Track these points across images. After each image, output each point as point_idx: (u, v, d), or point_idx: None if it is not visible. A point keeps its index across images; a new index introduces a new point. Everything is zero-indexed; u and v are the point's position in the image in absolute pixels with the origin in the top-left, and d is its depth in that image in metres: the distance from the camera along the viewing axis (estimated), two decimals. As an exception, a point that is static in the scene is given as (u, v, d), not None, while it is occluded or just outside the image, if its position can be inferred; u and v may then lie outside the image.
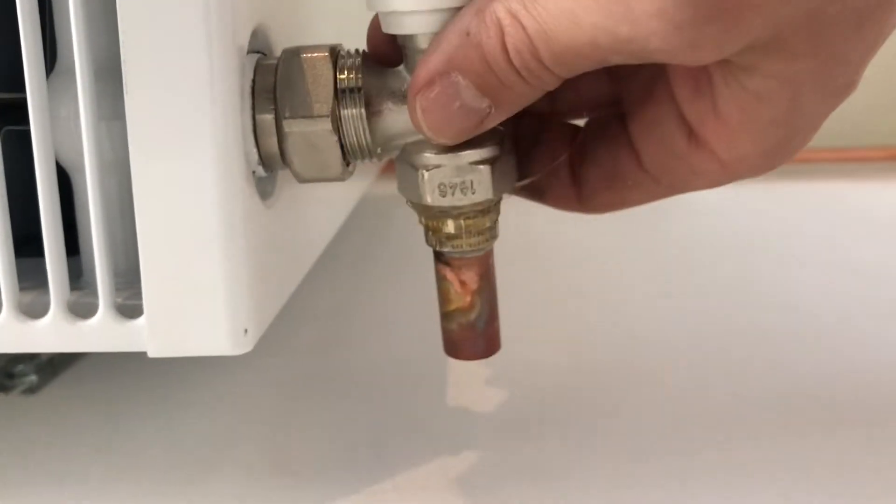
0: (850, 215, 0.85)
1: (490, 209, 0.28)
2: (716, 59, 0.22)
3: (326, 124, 0.27)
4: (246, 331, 0.27)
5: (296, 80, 0.27)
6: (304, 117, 0.27)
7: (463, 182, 0.27)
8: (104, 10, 0.26)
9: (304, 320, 0.50)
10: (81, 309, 0.27)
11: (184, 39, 0.24)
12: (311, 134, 0.27)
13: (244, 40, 0.27)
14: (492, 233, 0.29)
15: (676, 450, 0.34)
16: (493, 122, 0.25)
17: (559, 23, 0.22)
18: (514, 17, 0.23)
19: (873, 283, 0.55)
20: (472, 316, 0.29)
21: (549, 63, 0.23)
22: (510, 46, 0.23)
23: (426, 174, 0.27)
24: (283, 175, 0.30)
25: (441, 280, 0.29)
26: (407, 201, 0.29)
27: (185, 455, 0.35)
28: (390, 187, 0.29)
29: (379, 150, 0.28)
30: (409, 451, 0.34)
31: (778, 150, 0.25)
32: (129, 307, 0.27)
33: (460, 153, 0.27)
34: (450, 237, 0.28)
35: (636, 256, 0.62)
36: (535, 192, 0.31)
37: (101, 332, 0.27)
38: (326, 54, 0.27)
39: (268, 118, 0.27)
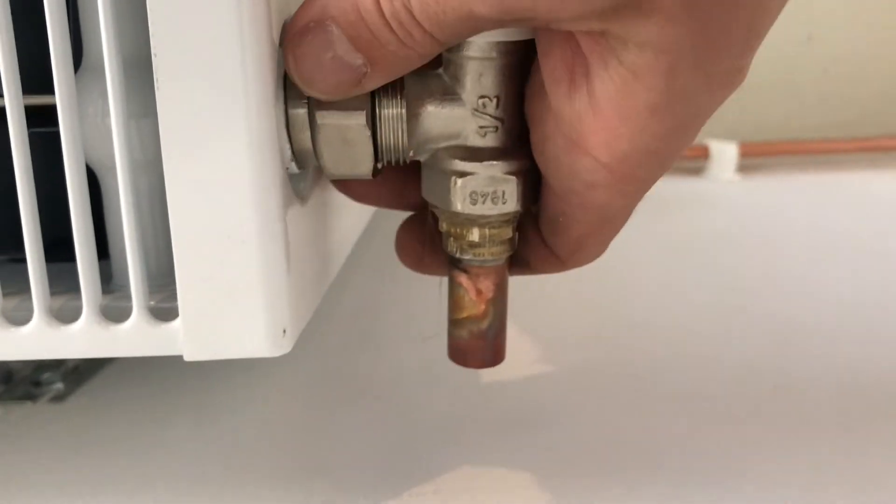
0: (872, 204, 0.85)
1: (513, 220, 0.28)
2: (581, 14, 0.21)
3: (361, 119, 0.26)
4: (285, 331, 0.26)
5: None
6: (338, 110, 0.26)
7: (494, 192, 0.26)
8: (130, 3, 0.26)
9: (329, 323, 0.49)
10: (114, 313, 0.27)
11: (216, 30, 0.23)
12: (344, 128, 0.26)
13: (276, 32, 0.26)
14: (512, 243, 0.28)
15: (706, 441, 0.33)
16: (371, 83, 0.24)
17: None
18: None
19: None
20: (484, 325, 0.29)
21: (420, 18, 0.22)
22: None
23: (459, 181, 0.26)
24: (316, 172, 0.30)
25: (456, 287, 0.29)
26: (430, 205, 0.28)
27: (219, 460, 0.34)
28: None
29: (411, 153, 0.27)
30: (447, 453, 0.33)
31: (661, 147, 0.23)
32: (163, 310, 0.26)
33: (494, 163, 0.26)
34: (472, 245, 0.28)
35: (659, 251, 0.62)
36: (524, 266, 0.30)
37: (135, 337, 0.26)
38: None
39: (300, 112, 0.26)
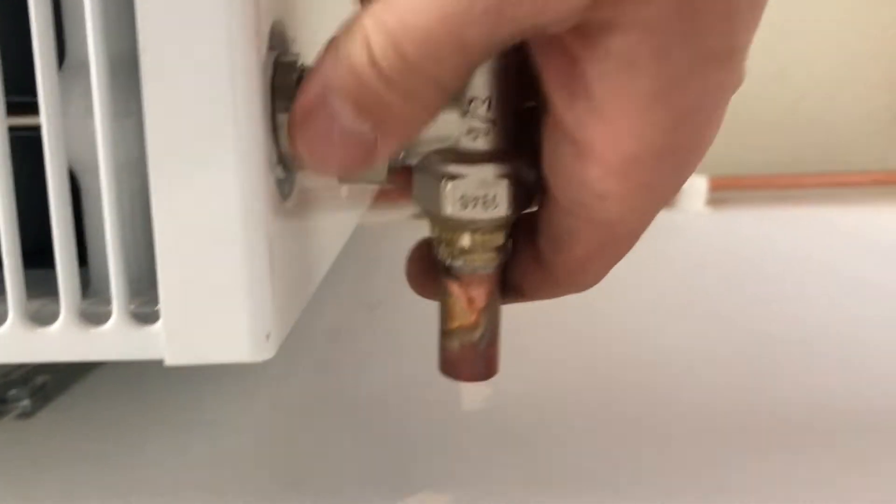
0: (839, 236, 0.86)
1: (505, 225, 0.27)
2: (562, 13, 0.21)
3: None
4: (268, 336, 0.25)
5: None
6: None
7: (486, 195, 0.26)
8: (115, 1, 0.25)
9: (305, 341, 0.48)
10: (93, 317, 0.26)
11: (205, 28, 0.23)
12: None
13: (265, 35, 0.26)
14: (504, 250, 0.28)
15: (694, 464, 0.33)
16: (384, 151, 0.23)
17: (416, 7, 0.21)
18: (378, 18, 0.21)
19: (867, 298, 0.58)
20: (476, 335, 0.28)
21: (414, 56, 0.21)
22: (377, 52, 0.21)
23: (449, 184, 0.26)
24: (300, 178, 0.29)
25: (447, 296, 0.28)
26: (421, 211, 0.28)
27: (192, 478, 0.33)
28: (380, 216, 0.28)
29: (402, 156, 0.27)
30: (436, 467, 0.33)
31: (668, 144, 0.23)
32: (143, 314, 0.26)
33: (485, 165, 0.26)
34: (463, 251, 0.27)
35: (632, 279, 0.62)
36: (516, 293, 0.29)
37: (115, 339, 0.25)
38: None
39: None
